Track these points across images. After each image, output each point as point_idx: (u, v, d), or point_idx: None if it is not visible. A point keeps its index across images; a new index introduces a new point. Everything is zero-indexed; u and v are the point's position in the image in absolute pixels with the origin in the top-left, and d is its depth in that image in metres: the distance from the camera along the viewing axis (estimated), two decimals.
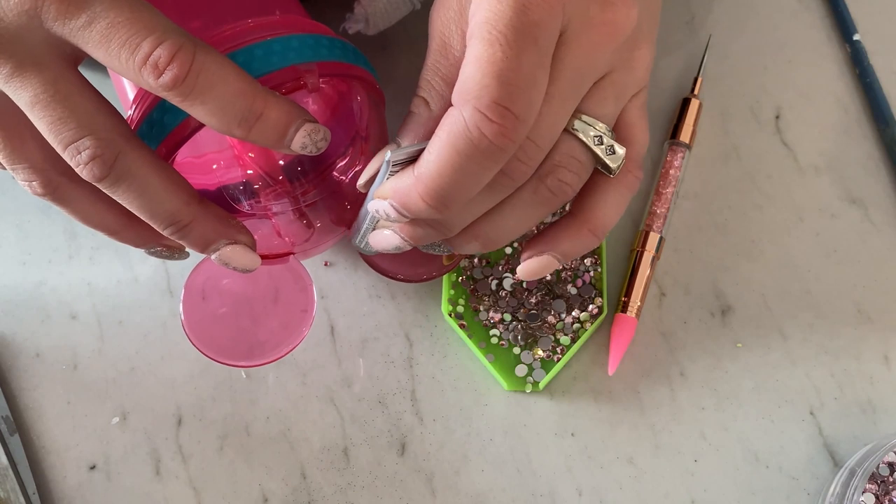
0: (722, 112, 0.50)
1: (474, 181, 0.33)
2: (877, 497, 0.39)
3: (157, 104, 0.35)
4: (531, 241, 0.39)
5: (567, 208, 0.40)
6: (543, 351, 0.45)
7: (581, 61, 0.34)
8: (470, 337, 0.45)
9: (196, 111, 0.31)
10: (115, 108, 0.33)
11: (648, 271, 0.46)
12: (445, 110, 0.32)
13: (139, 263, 0.48)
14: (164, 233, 0.35)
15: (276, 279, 0.43)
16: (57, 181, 0.34)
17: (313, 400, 0.45)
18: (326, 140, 0.34)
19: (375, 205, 0.35)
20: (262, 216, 0.42)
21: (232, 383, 0.46)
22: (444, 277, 0.46)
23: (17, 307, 0.47)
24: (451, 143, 0.31)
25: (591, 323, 0.45)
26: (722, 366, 0.45)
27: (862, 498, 0.39)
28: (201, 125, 0.34)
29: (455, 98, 0.32)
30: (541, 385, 0.44)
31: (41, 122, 0.32)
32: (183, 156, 0.38)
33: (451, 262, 0.44)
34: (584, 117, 0.35)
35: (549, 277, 0.46)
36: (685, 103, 0.49)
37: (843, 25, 0.51)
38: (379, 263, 0.43)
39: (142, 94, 0.36)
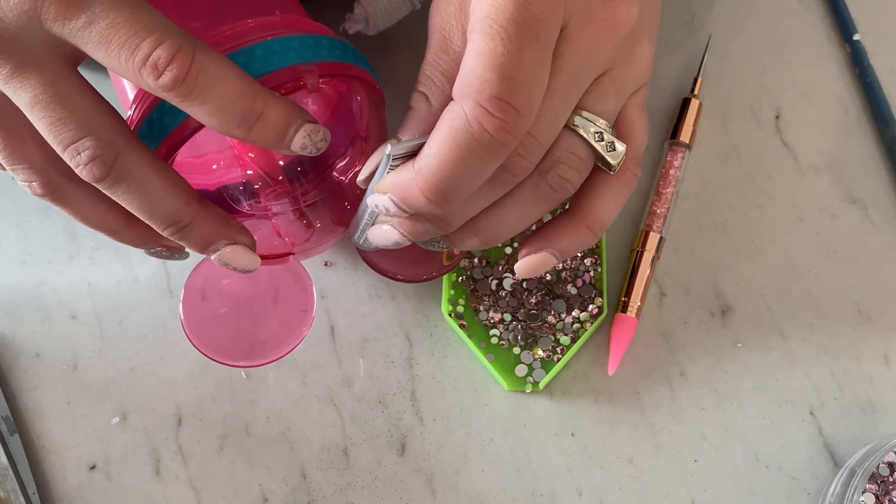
0: (722, 112, 0.50)
1: (475, 176, 0.32)
2: (877, 497, 0.39)
3: (156, 104, 0.35)
4: (528, 238, 0.38)
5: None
6: (543, 351, 0.45)
7: (582, 57, 0.33)
8: (470, 337, 0.45)
9: (196, 111, 0.31)
10: (114, 109, 0.33)
11: (648, 271, 0.46)
12: (445, 106, 0.32)
13: (139, 263, 0.48)
14: (164, 233, 0.35)
15: (276, 279, 0.43)
16: (57, 181, 0.34)
17: (313, 400, 0.45)
18: (326, 140, 0.34)
19: (375, 199, 0.35)
20: (261, 216, 0.42)
21: (232, 383, 0.46)
22: (444, 277, 0.46)
23: (17, 307, 0.47)
24: (451, 137, 0.31)
25: (591, 323, 0.45)
26: (722, 366, 0.45)
27: (862, 498, 0.39)
28: (201, 125, 0.34)
29: (456, 92, 0.32)
30: (541, 385, 0.44)
31: (41, 123, 0.32)
32: (183, 156, 0.38)
33: (451, 262, 0.44)
34: (585, 113, 0.35)
35: (549, 277, 0.46)
36: (685, 103, 0.49)
37: (843, 25, 0.51)
38: (379, 263, 0.43)
39: (141, 95, 0.36)
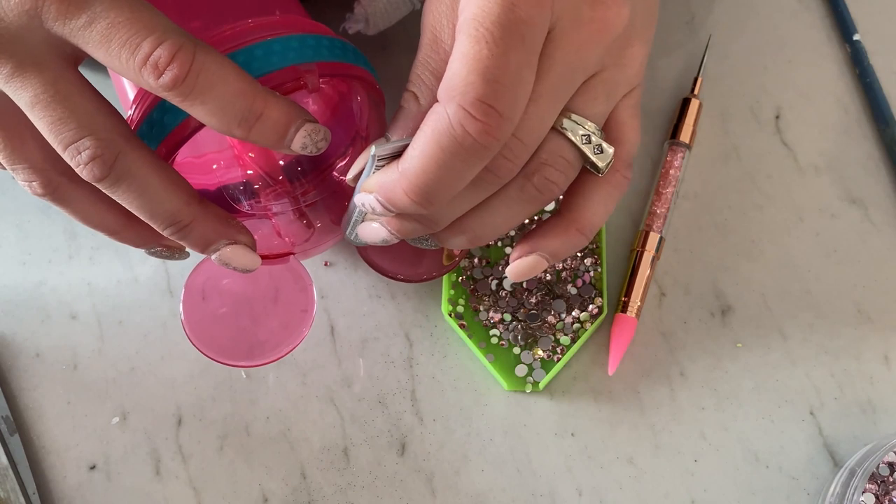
0: (722, 112, 0.50)
1: (458, 178, 0.33)
2: (877, 497, 0.39)
3: (157, 104, 0.35)
4: (519, 241, 0.39)
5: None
6: (543, 351, 0.45)
7: (570, 59, 0.33)
8: (470, 337, 0.45)
9: (196, 111, 0.31)
10: (115, 109, 0.33)
11: (648, 271, 0.46)
12: None
13: (139, 263, 0.48)
14: (164, 233, 0.35)
15: (276, 279, 0.43)
16: (57, 181, 0.34)
17: (313, 400, 0.45)
18: (326, 140, 0.34)
19: (362, 198, 0.35)
20: (262, 216, 0.42)
21: (232, 383, 0.46)
22: (444, 277, 0.46)
23: (17, 307, 0.47)
24: (434, 139, 0.32)
25: (591, 323, 0.45)
26: (722, 366, 0.45)
27: (862, 498, 0.39)
28: (201, 125, 0.34)
29: (440, 94, 0.32)
30: (541, 385, 0.44)
31: (41, 123, 0.32)
32: (183, 156, 0.38)
33: (451, 262, 0.44)
34: (573, 116, 0.35)
35: (549, 277, 0.46)
36: (685, 103, 0.49)
37: (843, 25, 0.51)
38: (379, 263, 0.43)
39: (142, 94, 0.36)
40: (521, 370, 0.44)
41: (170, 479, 0.44)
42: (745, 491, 0.43)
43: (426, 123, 0.32)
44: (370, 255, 0.43)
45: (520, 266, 0.38)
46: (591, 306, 0.45)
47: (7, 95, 0.32)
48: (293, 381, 0.45)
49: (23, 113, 0.32)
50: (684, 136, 0.48)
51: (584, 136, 0.35)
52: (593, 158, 0.35)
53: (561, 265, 0.46)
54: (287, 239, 0.43)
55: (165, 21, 0.31)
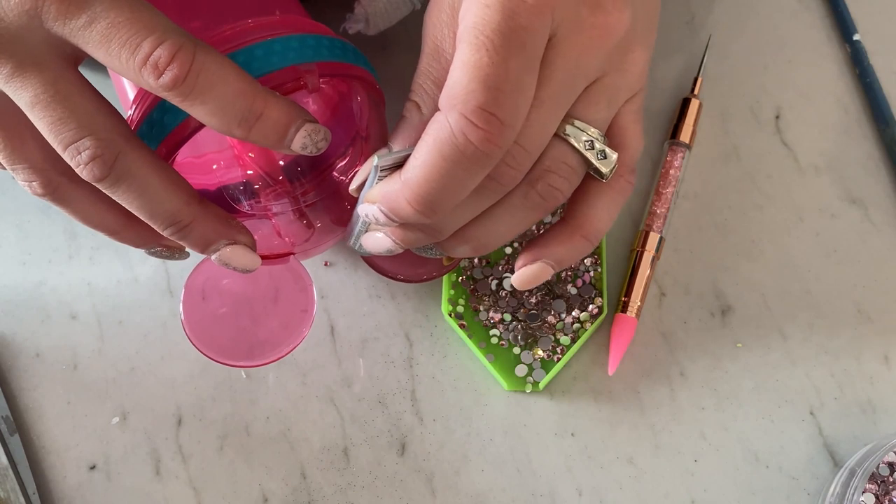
0: (722, 112, 0.50)
1: (461, 187, 0.32)
2: (877, 497, 0.39)
3: (157, 104, 0.35)
4: (524, 249, 0.38)
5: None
6: (543, 351, 0.45)
7: (571, 65, 0.33)
8: (470, 337, 0.45)
9: (196, 111, 0.31)
10: (115, 109, 0.33)
11: (648, 271, 0.46)
12: None
13: (139, 263, 0.48)
14: (165, 233, 0.35)
15: (276, 279, 0.43)
16: (57, 181, 0.34)
17: (313, 400, 0.45)
18: (327, 140, 0.34)
19: (365, 209, 0.35)
20: (262, 216, 0.42)
21: (232, 383, 0.46)
22: (444, 277, 0.46)
23: (17, 307, 0.47)
24: (436, 148, 0.31)
25: (591, 323, 0.45)
26: (722, 366, 0.45)
27: (862, 498, 0.39)
28: (201, 125, 0.34)
29: (442, 103, 0.32)
30: (541, 385, 0.44)
31: (41, 123, 0.32)
32: (183, 156, 0.38)
33: (451, 263, 0.44)
34: (576, 122, 0.35)
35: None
36: (685, 103, 0.49)
37: (843, 25, 0.51)
38: (379, 264, 0.43)
39: (142, 94, 0.36)
40: (521, 370, 0.44)
41: (170, 479, 0.44)
42: (745, 491, 0.43)
43: (428, 132, 0.32)
44: (370, 256, 0.43)
45: (525, 274, 0.38)
46: (591, 306, 0.45)
47: (7, 95, 0.32)
48: (293, 381, 0.45)
49: (23, 113, 0.32)
50: (684, 136, 0.48)
51: (588, 141, 0.35)
52: (597, 164, 0.35)
53: None
54: (287, 239, 0.43)
55: (165, 21, 0.31)
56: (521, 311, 0.45)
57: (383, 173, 0.34)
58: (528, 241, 0.39)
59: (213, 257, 0.36)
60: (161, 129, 0.35)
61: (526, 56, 0.31)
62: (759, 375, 0.45)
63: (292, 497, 0.44)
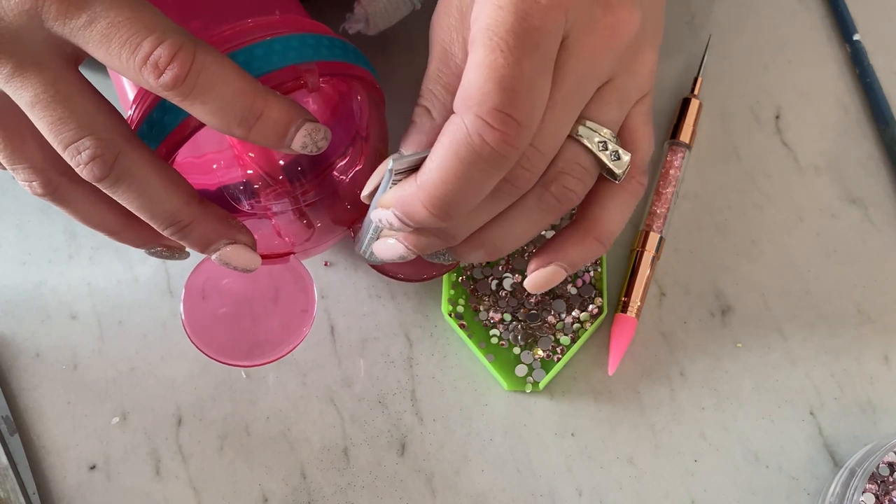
0: (722, 112, 0.50)
1: (477, 189, 0.32)
2: (877, 497, 0.39)
3: (157, 104, 0.35)
4: (537, 252, 0.38)
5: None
6: (543, 351, 0.45)
7: (584, 66, 0.33)
8: (470, 337, 0.45)
9: (196, 111, 0.31)
10: (115, 109, 0.33)
11: (648, 271, 0.46)
12: (447, 119, 0.32)
13: (139, 263, 0.48)
14: (165, 233, 0.35)
15: (276, 279, 0.43)
16: (57, 181, 0.34)
17: (313, 400, 0.45)
18: (327, 139, 0.34)
19: (378, 214, 0.35)
20: (262, 216, 0.42)
21: (232, 383, 0.46)
22: (444, 277, 0.46)
23: (17, 307, 0.47)
24: (453, 150, 0.31)
25: (591, 323, 0.45)
26: (722, 366, 0.45)
27: (862, 498, 0.39)
28: (201, 125, 0.34)
29: (457, 105, 0.32)
30: (541, 385, 0.44)
31: (41, 123, 0.32)
32: (183, 156, 0.38)
33: (451, 262, 0.44)
34: (589, 123, 0.35)
35: None
36: (685, 103, 0.49)
37: (843, 25, 0.51)
38: (380, 263, 0.43)
39: (142, 94, 0.36)
40: (521, 370, 0.44)
41: (170, 479, 0.44)
42: (745, 491, 0.43)
43: (444, 135, 0.32)
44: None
45: (538, 277, 0.38)
46: (591, 306, 0.45)
47: (7, 95, 0.32)
48: (293, 381, 0.45)
49: (23, 113, 0.32)
50: (684, 136, 0.48)
51: (601, 142, 0.35)
52: (610, 165, 0.35)
53: None
54: (287, 239, 0.43)
55: (166, 21, 0.31)
56: (521, 311, 0.45)
57: (397, 177, 0.33)
58: (541, 245, 0.38)
59: (213, 257, 0.36)
60: (161, 128, 0.35)
61: (540, 57, 0.31)
62: (759, 375, 0.45)
63: (292, 497, 0.44)
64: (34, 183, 0.34)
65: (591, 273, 0.46)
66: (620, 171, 0.36)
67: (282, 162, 0.42)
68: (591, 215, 0.37)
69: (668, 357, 0.45)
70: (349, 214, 0.42)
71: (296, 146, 0.33)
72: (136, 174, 0.33)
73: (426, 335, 0.46)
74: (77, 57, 0.32)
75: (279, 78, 0.34)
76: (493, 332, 0.45)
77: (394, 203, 0.34)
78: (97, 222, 0.36)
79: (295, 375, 0.45)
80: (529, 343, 0.45)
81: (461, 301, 0.45)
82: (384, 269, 0.43)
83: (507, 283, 0.46)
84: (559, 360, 0.44)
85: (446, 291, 0.46)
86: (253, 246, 0.37)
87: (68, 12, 0.30)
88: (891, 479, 0.40)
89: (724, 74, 0.51)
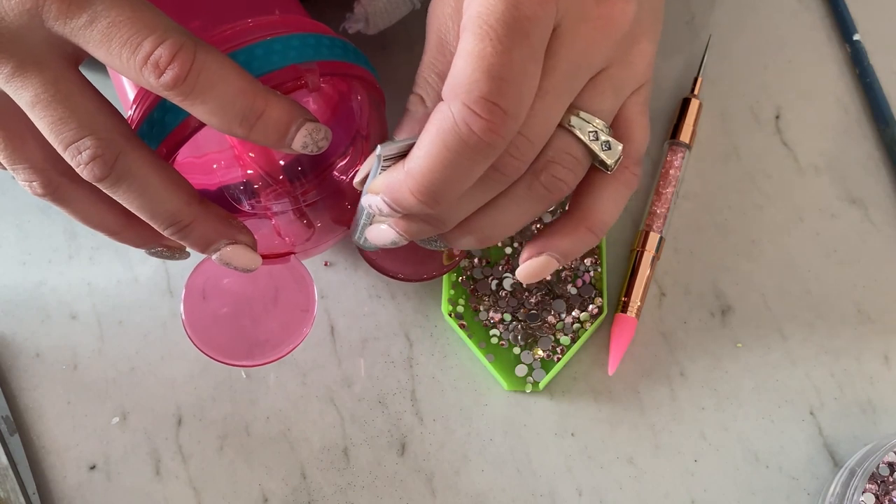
0: (722, 112, 0.50)
1: (464, 177, 0.32)
2: (877, 497, 0.39)
3: (157, 104, 0.35)
4: (529, 242, 0.38)
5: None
6: (543, 351, 0.45)
7: (576, 55, 0.33)
8: (470, 337, 0.45)
9: (197, 110, 0.31)
10: (115, 108, 0.33)
11: (648, 271, 0.46)
12: None
13: (139, 263, 0.48)
14: (165, 233, 0.35)
15: (276, 279, 0.43)
16: (57, 181, 0.34)
17: (313, 400, 0.45)
18: (327, 139, 0.34)
19: (369, 199, 0.35)
20: (262, 216, 0.42)
21: (232, 383, 0.46)
22: (444, 277, 0.46)
23: (17, 307, 0.47)
24: (439, 138, 0.31)
25: (591, 323, 0.45)
26: (722, 366, 0.45)
27: (862, 498, 0.39)
28: (202, 125, 0.34)
29: (445, 93, 0.32)
30: (541, 385, 0.44)
31: (42, 122, 0.32)
32: (183, 156, 0.38)
33: (451, 262, 0.44)
34: (581, 113, 0.35)
35: (549, 277, 0.46)
36: (685, 103, 0.49)
37: (843, 25, 0.51)
38: (380, 263, 0.43)
39: (142, 94, 0.36)
40: (521, 370, 0.44)
41: (170, 479, 0.44)
42: (745, 491, 0.43)
43: (431, 122, 0.32)
44: (371, 255, 0.43)
45: (530, 267, 0.38)
46: (591, 306, 0.45)
47: (7, 95, 0.32)
48: (293, 381, 0.45)
49: (23, 113, 0.32)
50: (684, 136, 0.48)
51: (592, 132, 0.35)
52: (601, 155, 0.35)
53: None
54: (287, 239, 0.42)
55: (166, 20, 0.31)
56: (521, 311, 0.45)
57: (387, 163, 0.34)
58: (534, 235, 0.38)
59: (213, 257, 0.36)
60: (161, 128, 0.35)
61: (530, 46, 0.31)
62: (759, 375, 0.45)
63: (292, 497, 0.44)
64: (34, 183, 0.34)
65: (591, 273, 0.46)
66: (612, 161, 0.35)
67: (282, 162, 0.42)
68: (584, 205, 0.37)
69: (668, 357, 0.45)
70: (349, 214, 0.42)
71: (296, 146, 0.33)
72: (136, 174, 0.33)
73: (426, 335, 0.46)
74: (78, 57, 0.32)
75: (280, 78, 0.34)
76: (493, 332, 0.45)
77: (383, 189, 0.34)
78: (97, 222, 0.36)
79: (295, 375, 0.45)
80: (529, 343, 0.45)
81: (461, 301, 0.45)
82: (384, 268, 0.43)
83: (507, 283, 0.46)
84: (559, 360, 0.44)
85: (446, 291, 0.46)
86: (253, 246, 0.37)
87: (69, 12, 0.30)
88: (891, 479, 0.40)
89: (724, 74, 0.51)
